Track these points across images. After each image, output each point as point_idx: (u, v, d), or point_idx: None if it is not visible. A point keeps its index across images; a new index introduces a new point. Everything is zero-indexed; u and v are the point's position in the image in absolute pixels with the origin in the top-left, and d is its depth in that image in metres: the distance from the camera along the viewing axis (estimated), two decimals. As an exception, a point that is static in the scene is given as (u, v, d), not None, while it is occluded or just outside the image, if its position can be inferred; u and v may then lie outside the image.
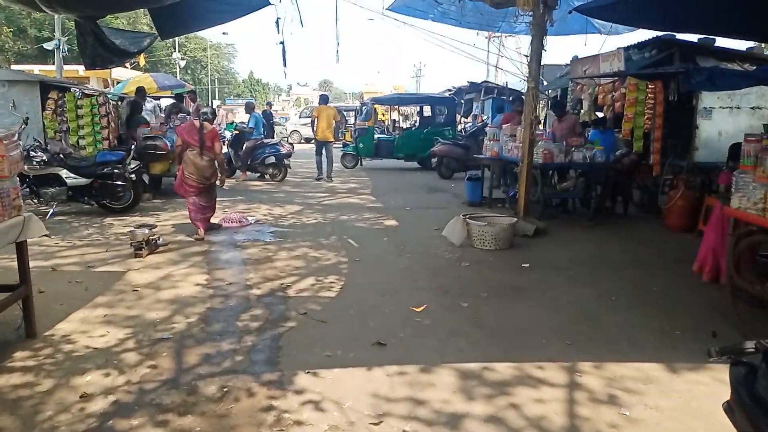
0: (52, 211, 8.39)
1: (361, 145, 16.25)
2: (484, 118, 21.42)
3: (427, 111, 17.89)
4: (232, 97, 76.40)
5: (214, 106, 48.50)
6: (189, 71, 68.49)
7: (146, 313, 4.65)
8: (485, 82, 28.20)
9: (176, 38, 52.35)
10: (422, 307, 4.81)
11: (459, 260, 6.43)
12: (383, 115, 27.00)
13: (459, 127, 18.92)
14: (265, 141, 13.15)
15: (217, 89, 75.80)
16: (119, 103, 10.69)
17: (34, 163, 8.10)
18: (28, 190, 8.33)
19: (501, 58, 34.90)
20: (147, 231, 6.45)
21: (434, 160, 14.43)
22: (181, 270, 5.91)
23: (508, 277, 5.78)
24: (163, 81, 16.76)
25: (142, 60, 42.13)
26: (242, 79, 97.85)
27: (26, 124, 8.28)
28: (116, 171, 8.37)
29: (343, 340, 4.15)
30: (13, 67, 34.33)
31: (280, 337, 4.20)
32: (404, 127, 18.08)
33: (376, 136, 16.62)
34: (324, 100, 14.14)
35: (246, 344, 4.05)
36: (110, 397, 3.27)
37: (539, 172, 8.42)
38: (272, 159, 12.94)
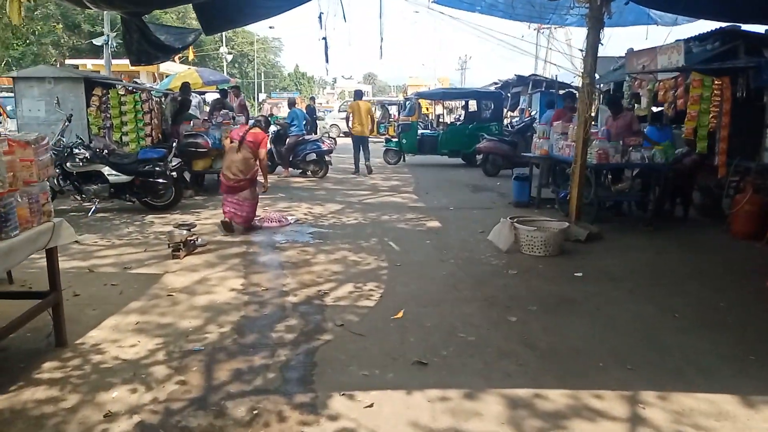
0: (94, 207, 8.42)
1: (404, 141, 15.95)
2: (532, 112, 20.80)
3: (472, 106, 17.42)
4: (278, 90, 77.19)
5: (260, 99, 48.92)
6: (236, 65, 69.51)
7: (179, 321, 4.50)
8: (533, 75, 27.47)
9: (223, 33, 53.22)
10: (400, 313, 4.61)
11: (506, 267, 6.07)
12: (427, 109, 26.58)
13: (505, 122, 18.37)
14: (306, 137, 13.00)
15: (263, 83, 76.69)
16: (163, 99, 10.68)
17: (77, 160, 8.14)
18: (72, 186, 8.39)
19: (550, 51, 34.01)
20: (185, 232, 6.33)
21: (479, 157, 14.02)
22: (217, 273, 5.77)
23: (559, 289, 5.39)
24: (209, 76, 16.86)
25: (191, 54, 42.99)
26: (288, 73, 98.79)
27: (70, 121, 8.32)
28: (157, 168, 8.33)
29: (382, 357, 3.88)
30: (67, 61, 35.48)
31: (316, 351, 3.97)
32: (449, 122, 17.65)
33: (419, 131, 16.28)
34: (359, 95, 14.44)
35: (279, 359, 3.84)
36: (135, 417, 3.10)
37: (593, 173, 7.94)
38: (313, 156, 12.78)
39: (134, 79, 25.10)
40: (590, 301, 5.05)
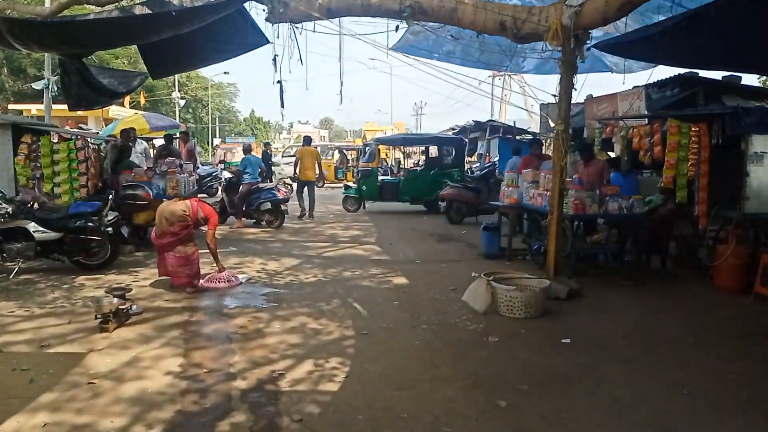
0: (16, 269, 7.40)
1: (364, 188, 15.36)
2: (493, 158, 20.66)
3: (433, 151, 17.09)
4: (233, 135, 76.24)
5: (214, 145, 47.70)
6: (190, 110, 68.46)
7: (99, 421, 3.62)
8: (490, 120, 27.63)
9: (177, 77, 52.41)
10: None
11: (485, 333, 5.41)
12: (386, 154, 26.27)
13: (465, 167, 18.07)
14: (261, 185, 12.26)
15: (218, 128, 75.71)
16: (102, 146, 9.81)
17: (-2, 215, 7.17)
18: (-9, 245, 7.38)
19: (506, 96, 34.54)
20: (115, 300, 5.45)
21: (443, 204, 13.53)
22: (152, 350, 4.89)
23: (549, 361, 4.74)
24: (156, 121, 16.03)
25: (142, 99, 41.91)
26: (243, 118, 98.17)
27: (-11, 172, 7.36)
28: (90, 224, 7.43)
29: (351, 468, 3.12)
30: (11, 106, 33.88)
31: (268, 463, 3.17)
32: (409, 168, 17.26)
33: (380, 177, 15.76)
34: (307, 141, 15.05)
35: (221, 477, 3.02)
36: None
37: (570, 224, 7.47)
38: (268, 205, 12.04)
39: (80, 125, 23.96)
40: (587, 377, 4.42)
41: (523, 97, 34.49)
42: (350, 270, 8.20)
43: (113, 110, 25.54)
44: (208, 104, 68.09)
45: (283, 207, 12.18)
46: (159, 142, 17.79)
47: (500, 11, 6.80)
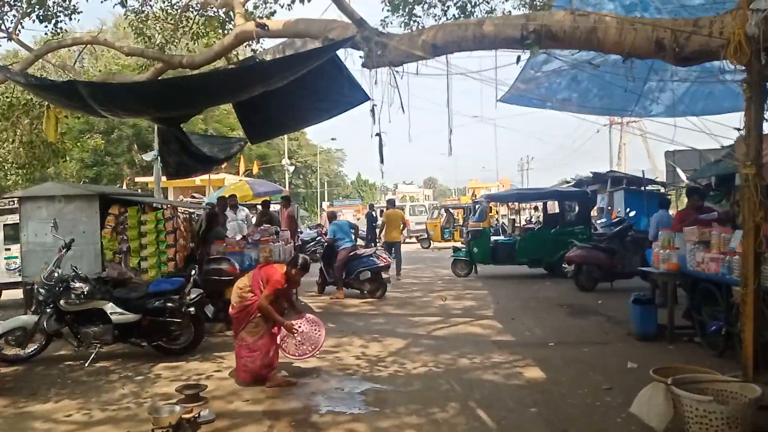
0: (92, 355, 6.62)
1: (475, 250, 13.85)
2: (619, 213, 18.43)
3: (553, 207, 15.32)
4: (340, 198, 78.02)
5: (323, 208, 48.42)
6: (301, 176, 71.10)
7: None
8: (611, 171, 25.29)
9: (287, 145, 54.55)
10: None
11: (677, 471, 3.68)
12: (495, 212, 24.65)
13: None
14: (359, 252, 11.15)
15: (326, 192, 77.85)
16: (193, 216, 9.20)
17: (73, 296, 6.49)
18: (68, 328, 6.70)
19: (624, 145, 31.96)
20: (178, 409, 4.35)
21: (569, 268, 11.67)
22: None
23: None
24: (260, 187, 15.71)
25: (255, 167, 43.64)
26: (351, 181, 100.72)
27: (69, 249, 6.77)
28: (170, 304, 6.56)
29: None
30: (138, 179, 36.23)
31: None
32: (525, 226, 15.58)
33: (492, 238, 14.20)
34: (391, 204, 15.64)
35: None
36: None
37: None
38: (368, 274, 10.88)
39: (193, 194, 24.66)
40: None
41: (644, 145, 31.77)
42: (467, 356, 6.67)
43: (228, 179, 26.18)
44: (317, 170, 70.35)
45: (384, 275, 10.96)
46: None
47: (654, 27, 5.30)
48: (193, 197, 23.08)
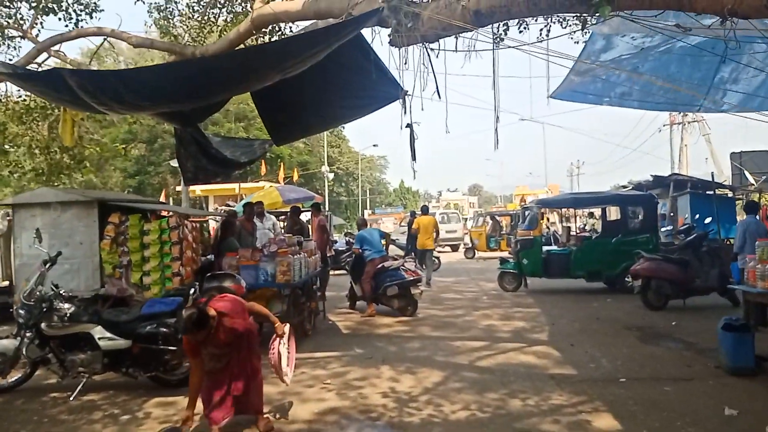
0: (79, 387, 5.69)
1: (525, 261, 12.48)
2: (686, 219, 16.70)
3: (613, 214, 13.80)
4: (383, 206, 77.12)
5: (365, 216, 47.59)
6: (342, 184, 70.64)
7: None
8: (675, 174, 23.37)
9: (328, 152, 53.94)
10: None
11: None
12: (546, 220, 23.07)
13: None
14: (387, 265, 9.99)
15: (368, 199, 77.15)
16: (204, 225, 8.26)
17: (56, 318, 5.58)
18: (52, 355, 5.80)
19: (686, 147, 29.79)
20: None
21: (636, 283, 10.20)
22: None
23: None
24: (290, 194, 14.77)
25: (295, 175, 43.14)
26: (393, 189, 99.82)
27: (53, 264, 5.88)
28: (164, 329, 5.57)
29: None
30: (178, 188, 36.10)
31: None
32: (581, 234, 14.08)
33: (544, 248, 12.80)
34: (424, 210, 15.48)
35: None
36: None
37: None
38: (395, 289, 9.73)
39: (228, 202, 24.04)
40: None
41: (708, 147, 29.54)
42: (520, 396, 5.43)
43: (267, 186, 25.48)
44: (358, 177, 69.71)
45: (414, 290, 9.76)
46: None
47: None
48: (227, 206, 22.45)
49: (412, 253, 18.25)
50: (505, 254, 20.87)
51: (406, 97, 5.98)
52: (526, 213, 13.30)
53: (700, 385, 5.60)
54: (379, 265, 9.95)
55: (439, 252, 27.71)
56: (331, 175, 45.05)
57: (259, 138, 11.59)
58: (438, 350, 7.39)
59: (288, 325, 4.51)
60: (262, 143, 11.12)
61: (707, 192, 20.40)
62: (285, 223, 12.48)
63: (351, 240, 14.91)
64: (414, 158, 6.14)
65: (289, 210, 12.90)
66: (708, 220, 13.34)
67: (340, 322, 9.55)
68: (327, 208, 47.43)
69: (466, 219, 36.17)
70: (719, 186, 19.77)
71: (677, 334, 7.92)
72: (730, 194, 19.71)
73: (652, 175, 21.93)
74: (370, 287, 9.99)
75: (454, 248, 28.60)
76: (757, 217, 8.15)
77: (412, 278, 9.75)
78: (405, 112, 6.35)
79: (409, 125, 5.88)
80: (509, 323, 9.09)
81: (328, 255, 14.21)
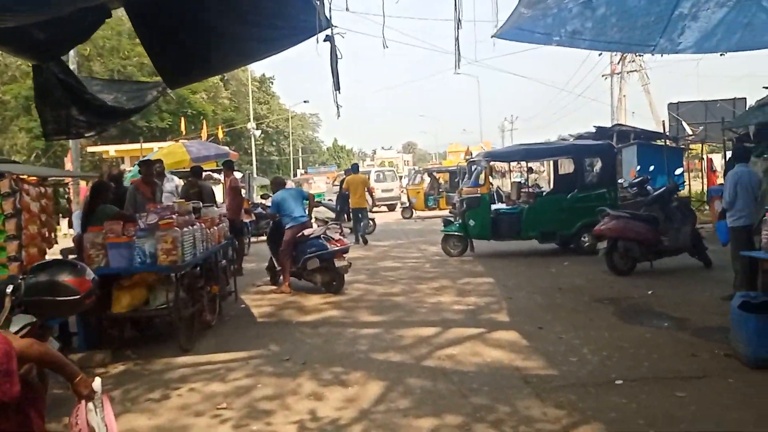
0: None
1: (471, 223, 11.03)
2: (637, 171, 15.80)
3: (566, 167, 12.52)
4: (316, 165, 74.69)
5: (297, 176, 45.31)
6: (273, 143, 67.59)
7: None
8: (618, 125, 22.54)
9: (256, 109, 50.73)
10: None
11: None
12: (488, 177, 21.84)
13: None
14: (307, 233, 8.29)
15: (300, 158, 74.50)
16: (65, 189, 6.21)
17: None
18: None
19: (624, 97, 29.22)
20: None
21: (600, 244, 8.93)
22: None
23: None
24: (199, 151, 12.60)
25: (220, 132, 40.13)
26: (327, 147, 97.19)
27: None
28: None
29: None
30: (91, 149, 32.62)
31: None
32: (533, 191, 12.70)
33: (493, 207, 11.38)
34: (355, 169, 14.88)
35: None
36: None
37: None
38: (316, 262, 8.08)
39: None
40: None
41: (647, 98, 29.09)
42: (489, 418, 3.90)
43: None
44: (289, 136, 66.84)
45: (339, 262, 8.10)
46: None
47: None
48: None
49: (344, 216, 16.62)
50: (446, 213, 19.54)
51: (333, 31, 4.17)
52: (473, 168, 11.79)
53: (718, 384, 4.27)
54: (299, 234, 8.22)
55: (375, 212, 26.24)
56: (258, 132, 42.22)
57: (150, 81, 9.47)
58: (377, 343, 5.78)
59: (98, 380, 2.60)
60: (154, 86, 8.95)
61: (653, 142, 19.68)
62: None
63: (265, 204, 12.98)
64: (338, 87, 4.38)
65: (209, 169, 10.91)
66: (651, 168, 12.38)
67: (257, 305, 7.79)
68: (255, 168, 44.75)
69: (401, 177, 34.76)
70: (662, 136, 19.06)
71: (659, 307, 6.65)
72: (668, 143, 18.92)
73: (595, 126, 20.97)
74: (287, 260, 8.27)
75: (391, 208, 27.12)
76: (744, 165, 6.91)
77: (336, 248, 8.06)
78: (333, 53, 4.54)
79: (328, 38, 4.11)
80: (460, 299, 7.60)
81: (246, 221, 12.31)
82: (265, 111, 62.59)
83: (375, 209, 26.65)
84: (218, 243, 7.04)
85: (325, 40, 4.14)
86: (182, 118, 36.25)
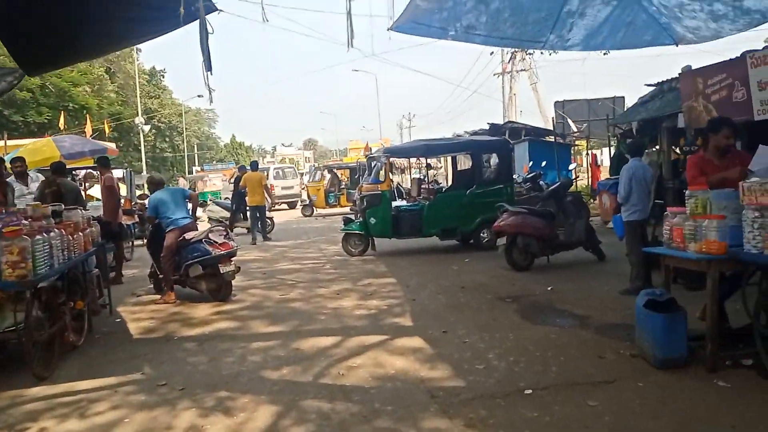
0: None
1: (372, 221, 10.68)
2: (530, 167, 16.20)
3: (464, 163, 12.47)
4: (214, 162, 71.70)
5: (193, 173, 43.05)
6: (167, 139, 64.08)
7: None
8: (510, 122, 23.20)
9: (141, 102, 47.72)
10: None
11: None
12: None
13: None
14: (188, 236, 7.56)
15: (196, 155, 71.30)
16: None
17: None
18: None
19: (515, 95, 30.20)
20: None
21: (499, 240, 8.86)
22: None
23: None
24: (73, 146, 11.30)
25: (106, 127, 37.29)
26: (224, 144, 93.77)
27: None
28: None
29: None
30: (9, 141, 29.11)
31: None
32: (432, 187, 12.53)
33: (393, 204, 11.09)
34: (253, 166, 14.75)
35: None
36: None
37: None
38: (198, 268, 7.39)
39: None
40: None
41: (535, 96, 30.24)
42: (395, 441, 3.50)
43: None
44: (182, 131, 63.66)
45: (225, 267, 7.43)
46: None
47: None
48: None
49: (240, 215, 15.76)
50: (347, 210, 19.14)
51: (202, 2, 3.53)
52: (372, 164, 11.43)
53: (629, 389, 4.11)
54: (181, 237, 7.46)
55: (276, 210, 25.35)
56: (147, 127, 39.62)
57: (6, 67, 8.10)
58: (270, 360, 5.21)
59: None
60: (11, 72, 7.77)
61: (543, 139, 20.37)
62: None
63: (140, 204, 11.88)
64: (209, 68, 3.77)
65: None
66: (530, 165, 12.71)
67: (135, 319, 6.94)
68: (145, 165, 42.01)
69: (302, 174, 34.02)
70: (552, 133, 19.81)
71: (560, 303, 6.60)
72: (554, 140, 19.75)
73: (488, 123, 21.43)
74: (171, 266, 7.48)
75: (292, 206, 26.39)
76: (637, 159, 7.03)
77: (220, 252, 7.37)
78: (203, 28, 3.89)
79: (194, 10, 3.47)
80: (362, 303, 7.19)
81: (127, 223, 11.22)
82: (156, 105, 59.17)
83: (275, 208, 25.80)
84: (85, 251, 6.14)
85: (189, 15, 3.50)
86: (62, 113, 33.27)
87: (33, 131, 36.36)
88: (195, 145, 73.86)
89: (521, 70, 29.04)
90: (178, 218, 7.59)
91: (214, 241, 7.44)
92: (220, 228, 7.87)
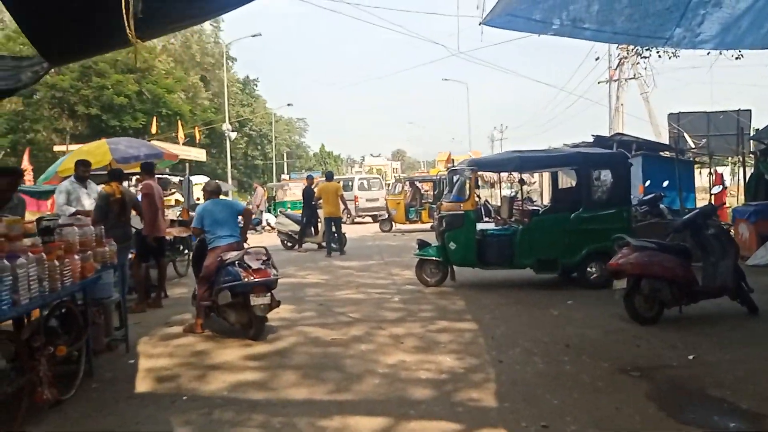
0: None
1: (452, 246, 8.92)
2: (646, 186, 13.83)
3: (565, 180, 10.48)
4: (303, 171, 72.63)
5: (280, 180, 43.17)
6: (258, 147, 65.57)
7: None
8: (619, 134, 20.61)
9: (237, 111, 48.51)
10: None
11: None
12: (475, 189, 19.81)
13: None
14: (226, 257, 6.20)
15: (286, 163, 72.45)
16: None
17: None
18: None
19: (622, 106, 27.38)
20: None
21: (617, 283, 6.83)
22: None
23: None
24: (127, 149, 10.43)
25: (198, 133, 38.00)
26: (313, 153, 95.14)
27: None
28: None
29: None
30: (57, 148, 30.63)
31: None
32: (527, 208, 10.60)
33: (478, 227, 9.30)
34: (329, 177, 14.30)
35: None
36: None
37: None
38: (227, 296, 5.99)
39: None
40: None
41: (646, 107, 27.28)
42: None
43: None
44: (272, 140, 64.82)
45: (258, 300, 5.95)
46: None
47: None
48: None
49: (311, 229, 14.56)
50: (428, 228, 17.46)
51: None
52: (454, 179, 9.71)
53: None
54: (219, 258, 6.16)
55: (357, 224, 24.09)
56: (234, 134, 40.00)
57: (29, 56, 7.31)
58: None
59: None
60: (36, 63, 6.84)
61: (661, 154, 17.71)
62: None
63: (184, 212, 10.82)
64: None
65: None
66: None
67: (152, 359, 5.65)
68: (230, 172, 42.44)
69: (388, 185, 32.70)
70: (667, 148, 17.18)
71: (714, 386, 4.58)
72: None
73: (593, 135, 18.94)
74: (204, 289, 6.20)
75: (376, 219, 24.78)
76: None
77: (253, 280, 5.94)
78: None
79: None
80: (431, 359, 5.49)
81: (184, 236, 10.21)
82: (247, 113, 60.60)
83: (358, 220, 24.52)
84: (82, 278, 4.90)
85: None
86: (154, 118, 34.15)
87: (129, 135, 37.71)
88: (285, 154, 75.12)
89: (630, 78, 26.23)
90: (223, 235, 6.37)
91: (248, 266, 6.03)
92: (261, 250, 6.46)
